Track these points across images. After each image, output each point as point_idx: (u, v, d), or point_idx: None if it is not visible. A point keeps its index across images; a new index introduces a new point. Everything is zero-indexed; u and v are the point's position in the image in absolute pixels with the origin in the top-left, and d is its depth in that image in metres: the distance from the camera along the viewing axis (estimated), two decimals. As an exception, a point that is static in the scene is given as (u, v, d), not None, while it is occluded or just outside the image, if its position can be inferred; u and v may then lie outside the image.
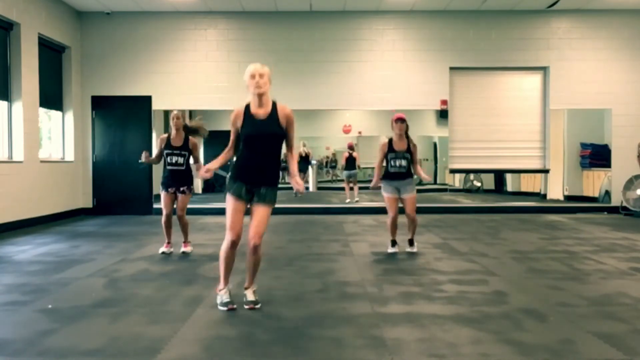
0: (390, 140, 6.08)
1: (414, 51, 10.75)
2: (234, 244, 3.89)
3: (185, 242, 6.36)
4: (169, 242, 6.28)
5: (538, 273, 5.13)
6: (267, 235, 7.24)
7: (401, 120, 6.00)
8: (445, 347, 3.12)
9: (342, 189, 12.98)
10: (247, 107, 3.91)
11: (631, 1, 10.22)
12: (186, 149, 6.20)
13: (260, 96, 3.84)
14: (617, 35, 10.75)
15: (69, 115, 10.31)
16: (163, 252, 6.23)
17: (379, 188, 6.19)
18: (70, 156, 10.30)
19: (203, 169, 3.88)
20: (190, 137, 6.23)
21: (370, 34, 10.75)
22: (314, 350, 3.12)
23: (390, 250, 6.22)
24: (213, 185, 15.35)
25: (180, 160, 6.19)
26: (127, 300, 4.19)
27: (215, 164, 3.90)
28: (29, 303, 4.11)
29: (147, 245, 6.83)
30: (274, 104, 3.91)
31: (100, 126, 10.65)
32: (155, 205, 10.49)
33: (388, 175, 6.09)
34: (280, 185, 4.08)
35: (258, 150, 3.84)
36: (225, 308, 3.87)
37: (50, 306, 4.00)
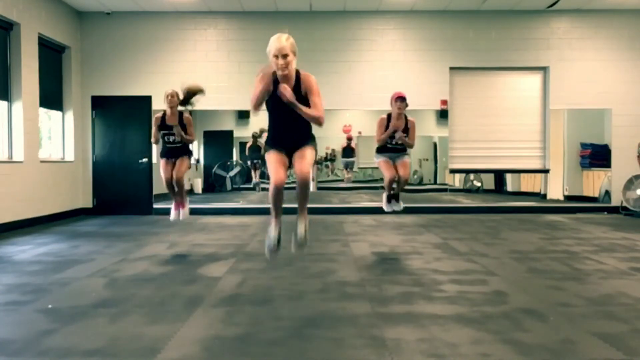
0: (389, 117, 6.06)
1: (414, 51, 10.75)
2: (278, 189, 3.95)
3: (183, 204, 6.39)
4: (177, 203, 6.41)
5: (538, 273, 5.13)
6: (266, 236, 7.25)
7: (401, 99, 5.97)
8: (445, 347, 3.12)
9: (341, 189, 12.98)
10: (275, 76, 3.90)
11: (631, 1, 10.22)
12: (182, 128, 6.25)
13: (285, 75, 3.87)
14: (617, 35, 10.75)
15: (69, 115, 10.31)
16: (174, 220, 6.44)
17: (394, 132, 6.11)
18: (70, 156, 10.30)
19: (286, 91, 3.79)
20: (184, 114, 6.26)
21: (370, 34, 10.75)
22: (314, 350, 3.12)
23: (387, 207, 6.30)
24: (213, 186, 15.36)
25: (177, 139, 6.27)
26: (127, 300, 4.19)
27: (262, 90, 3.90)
28: (29, 303, 4.11)
29: (147, 245, 6.83)
30: (297, 75, 3.93)
31: (100, 126, 10.65)
32: (155, 205, 10.49)
33: (384, 148, 6.14)
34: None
35: (286, 120, 3.94)
36: (270, 242, 4.11)
37: (50, 306, 4.00)
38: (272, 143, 4.08)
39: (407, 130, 6.02)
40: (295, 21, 10.65)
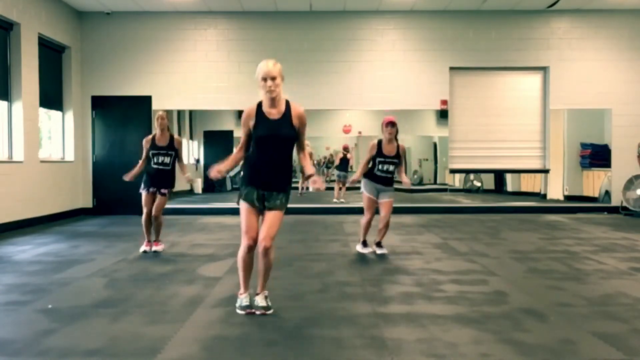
0: (380, 143, 6.03)
1: (414, 51, 10.75)
2: (250, 248, 3.82)
3: (157, 241, 6.34)
4: (148, 241, 6.29)
5: (538, 273, 5.13)
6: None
7: (392, 124, 5.92)
8: (445, 347, 3.12)
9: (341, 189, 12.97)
10: (259, 106, 3.80)
11: (631, 1, 10.21)
12: (172, 149, 6.23)
13: (272, 99, 3.74)
14: (617, 35, 10.75)
15: (69, 115, 10.31)
16: (144, 251, 6.23)
17: (359, 182, 6.19)
18: (70, 156, 10.30)
19: (214, 170, 3.78)
20: (175, 137, 6.26)
21: (370, 34, 10.75)
22: (314, 350, 3.12)
23: (362, 250, 6.21)
24: (213, 186, 15.35)
25: (167, 159, 6.22)
26: (127, 300, 4.19)
27: (226, 165, 3.81)
28: (29, 303, 4.11)
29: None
30: (287, 104, 3.81)
31: (100, 126, 10.65)
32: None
33: (373, 177, 6.05)
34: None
35: (270, 152, 3.75)
36: (243, 312, 3.82)
37: (50, 306, 4.00)
38: (248, 178, 3.82)
39: (398, 155, 5.99)
40: (295, 21, 10.65)
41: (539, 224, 8.88)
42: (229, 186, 15.71)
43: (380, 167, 5.99)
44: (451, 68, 10.72)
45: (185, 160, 6.65)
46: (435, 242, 7.02)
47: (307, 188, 13.95)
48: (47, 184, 9.27)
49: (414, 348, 3.11)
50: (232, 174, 15.62)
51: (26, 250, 6.52)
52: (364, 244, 6.25)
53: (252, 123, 3.78)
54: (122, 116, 10.62)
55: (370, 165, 6.08)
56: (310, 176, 3.86)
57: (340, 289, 4.52)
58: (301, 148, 3.94)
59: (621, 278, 4.90)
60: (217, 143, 15.36)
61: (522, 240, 7.13)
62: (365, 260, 5.79)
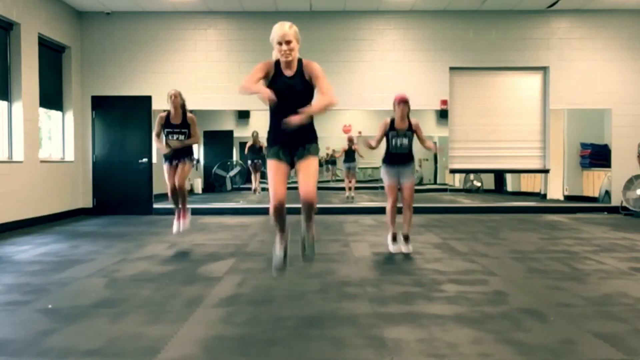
0: (392, 120, 6.03)
1: (414, 51, 10.75)
2: (277, 210, 3.78)
3: (184, 213, 6.44)
4: (178, 216, 6.47)
5: (538, 273, 5.13)
6: (267, 236, 7.25)
7: (404, 102, 5.91)
8: (445, 347, 3.12)
9: (342, 189, 12.98)
10: (277, 63, 3.84)
11: (631, 1, 10.22)
12: (185, 126, 6.34)
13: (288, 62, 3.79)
14: (617, 35, 10.75)
15: (69, 115, 10.31)
16: (176, 231, 6.47)
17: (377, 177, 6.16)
18: (70, 156, 10.30)
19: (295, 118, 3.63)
20: (188, 114, 6.33)
21: (370, 34, 10.75)
22: (314, 350, 3.12)
23: (392, 248, 6.14)
24: (213, 186, 15.36)
25: (181, 137, 6.35)
26: (127, 300, 4.19)
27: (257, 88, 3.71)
28: (29, 303, 4.11)
29: (147, 245, 6.83)
30: (300, 62, 3.86)
31: (100, 126, 10.65)
32: (155, 205, 10.50)
33: (389, 157, 6.03)
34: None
35: (288, 107, 3.69)
36: (277, 261, 3.98)
37: (50, 306, 4.00)
38: (271, 138, 3.85)
39: (410, 129, 5.99)
40: (295, 21, 10.48)
41: (539, 224, 8.88)
42: (229, 186, 15.71)
43: (393, 142, 5.96)
44: (451, 68, 10.72)
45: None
46: (435, 242, 7.01)
47: None
48: (47, 184, 9.28)
49: (414, 348, 3.10)
50: (232, 174, 15.62)
51: (26, 250, 6.52)
52: (394, 238, 6.14)
53: (270, 74, 3.80)
54: (122, 116, 10.63)
55: (385, 146, 6.04)
56: (300, 113, 3.65)
57: (340, 289, 4.52)
58: (320, 92, 3.82)
59: (621, 278, 4.90)
60: (217, 143, 15.35)
61: (522, 240, 7.13)
62: (365, 260, 5.79)
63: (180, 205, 6.50)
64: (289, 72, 3.82)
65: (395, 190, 6.08)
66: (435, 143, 6.35)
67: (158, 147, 6.48)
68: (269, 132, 3.89)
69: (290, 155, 3.83)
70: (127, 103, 10.54)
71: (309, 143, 3.83)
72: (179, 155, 6.38)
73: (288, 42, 3.71)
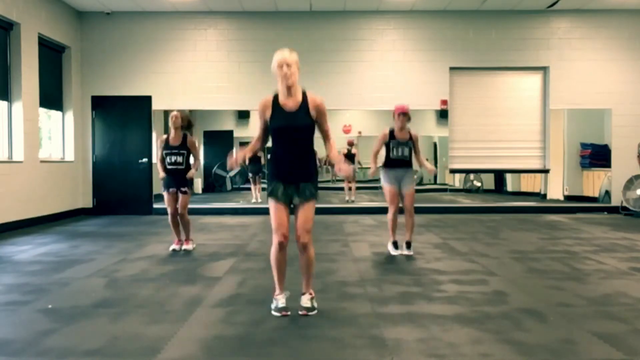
0: (392, 130, 6.05)
1: (414, 51, 10.75)
2: (281, 246, 3.76)
3: (187, 239, 6.42)
4: (178, 240, 6.39)
5: (538, 273, 5.13)
6: (267, 236, 7.25)
7: (404, 114, 5.95)
8: (445, 347, 3.12)
9: (342, 189, 12.98)
10: (276, 97, 3.78)
11: (631, 1, 10.21)
12: (184, 148, 6.27)
13: (289, 87, 3.72)
14: (617, 35, 10.75)
15: (69, 115, 10.31)
16: (173, 250, 6.32)
17: (378, 177, 6.14)
18: (70, 156, 10.30)
19: (232, 160, 3.79)
20: (188, 136, 6.29)
21: (370, 34, 10.75)
22: (314, 350, 3.12)
23: (393, 252, 6.12)
24: (213, 186, 15.36)
25: (179, 159, 6.26)
26: (127, 300, 4.19)
27: (242, 154, 3.79)
28: (29, 303, 4.11)
29: (147, 245, 6.83)
30: (304, 94, 3.80)
31: (100, 126, 10.65)
32: (155, 205, 10.49)
33: (389, 163, 6.03)
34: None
35: (289, 143, 3.70)
36: (279, 314, 3.73)
37: (50, 306, 4.00)
38: (272, 173, 3.79)
39: (411, 139, 6.01)
40: (295, 21, 10.65)
41: (539, 224, 8.88)
42: (229, 186, 15.70)
43: (394, 151, 5.98)
44: (451, 68, 10.72)
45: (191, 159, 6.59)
46: (435, 242, 7.02)
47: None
48: (47, 184, 9.28)
49: (414, 348, 3.10)
50: (232, 174, 15.62)
51: (26, 250, 6.52)
52: (395, 245, 6.13)
53: (268, 114, 3.75)
54: (122, 116, 10.63)
55: (385, 154, 6.04)
56: (335, 164, 3.75)
57: (340, 289, 4.52)
58: (326, 138, 3.84)
59: (621, 278, 4.90)
60: (217, 143, 15.34)
61: (522, 240, 7.13)
62: (365, 260, 5.79)
63: (183, 233, 6.39)
64: (290, 105, 3.73)
65: (396, 197, 6.07)
66: (435, 167, 6.31)
67: (159, 170, 6.36)
68: (270, 167, 3.84)
69: (290, 191, 3.72)
70: (127, 103, 10.54)
71: (309, 181, 3.76)
72: (177, 183, 6.26)
73: (289, 65, 3.67)
